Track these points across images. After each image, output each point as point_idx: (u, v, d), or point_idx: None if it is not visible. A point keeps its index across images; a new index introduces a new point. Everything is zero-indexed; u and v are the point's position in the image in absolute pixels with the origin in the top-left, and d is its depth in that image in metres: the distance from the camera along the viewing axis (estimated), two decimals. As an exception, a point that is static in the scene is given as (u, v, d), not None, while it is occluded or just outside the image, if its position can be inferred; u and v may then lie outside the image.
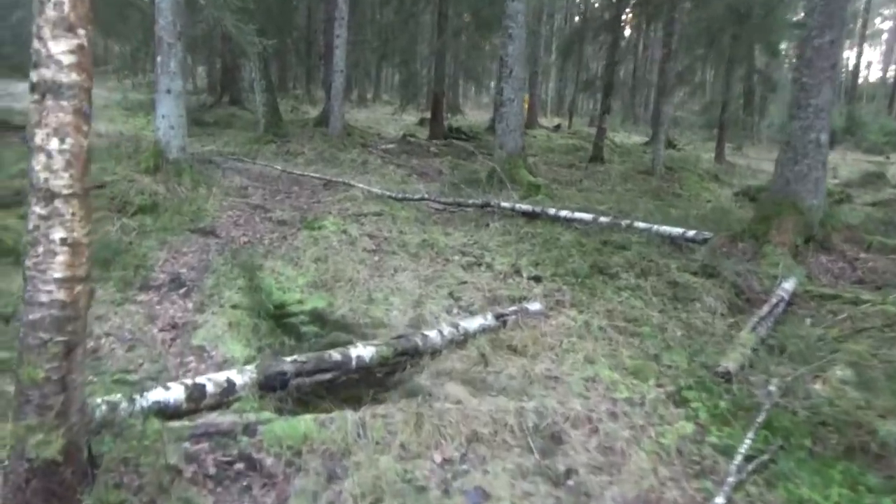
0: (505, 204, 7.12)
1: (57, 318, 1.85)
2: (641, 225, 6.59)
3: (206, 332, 3.92)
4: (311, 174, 9.81)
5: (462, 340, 3.84)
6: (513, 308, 4.33)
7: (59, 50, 1.73)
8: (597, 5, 21.30)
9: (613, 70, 13.85)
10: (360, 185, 8.66)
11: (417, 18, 16.89)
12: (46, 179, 1.78)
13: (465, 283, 5.25)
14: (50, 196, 1.78)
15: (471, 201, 7.47)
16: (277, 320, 4.33)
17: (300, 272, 5.37)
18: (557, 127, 23.94)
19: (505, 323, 4.14)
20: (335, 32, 11.65)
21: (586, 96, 34.53)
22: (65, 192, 1.79)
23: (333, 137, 12.42)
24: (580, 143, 17.45)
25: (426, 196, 7.93)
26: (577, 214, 6.88)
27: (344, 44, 11.57)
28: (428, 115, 21.13)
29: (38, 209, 1.80)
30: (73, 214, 1.82)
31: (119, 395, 2.63)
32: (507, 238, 6.60)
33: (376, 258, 5.92)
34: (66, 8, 1.72)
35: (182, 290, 4.63)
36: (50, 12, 1.71)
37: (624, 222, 6.68)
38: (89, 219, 1.91)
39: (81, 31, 1.76)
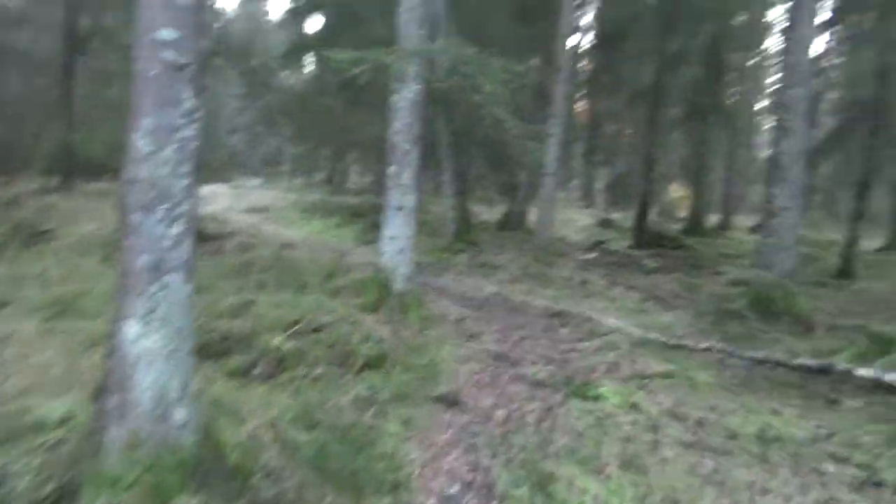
0: (863, 372, 4.90)
1: None
2: None
3: None
4: (532, 299, 8.17)
5: None
6: None
7: None
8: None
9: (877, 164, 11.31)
10: (609, 321, 6.83)
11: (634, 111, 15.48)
12: None
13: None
14: None
15: (799, 362, 5.31)
16: None
17: (609, 489, 3.54)
18: (757, 227, 21.07)
19: None
20: (549, 130, 10.31)
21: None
22: None
23: (538, 248, 10.85)
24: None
25: (717, 346, 5.89)
26: None
27: (558, 143, 10.19)
28: (608, 215, 19.38)
29: None
30: None
31: None
32: (882, 427, 4.39)
33: (707, 463, 3.94)
34: None
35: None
36: None
37: None
38: None
39: None
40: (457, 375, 5.15)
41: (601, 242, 14.04)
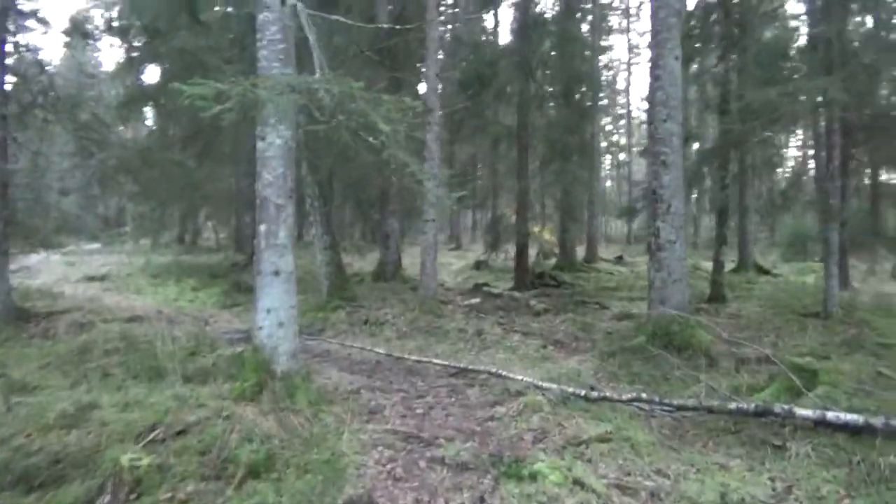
0: (804, 412, 4.59)
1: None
2: None
3: None
4: (428, 357, 7.41)
5: None
6: None
7: None
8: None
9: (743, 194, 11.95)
10: (519, 376, 6.21)
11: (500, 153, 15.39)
12: None
13: None
14: None
15: (736, 406, 4.94)
16: None
17: None
18: (620, 258, 21.94)
19: None
20: (429, 171, 9.75)
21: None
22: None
23: (423, 298, 10.15)
24: None
25: (643, 397, 5.43)
26: None
27: (436, 187, 9.66)
28: (484, 257, 19.23)
29: None
30: None
31: None
32: (837, 473, 4.06)
33: (680, 547, 3.38)
34: None
35: None
36: None
37: None
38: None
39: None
40: (364, 470, 4.23)
41: (483, 286, 13.64)
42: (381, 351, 7.81)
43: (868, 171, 15.27)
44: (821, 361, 6.81)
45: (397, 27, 10.07)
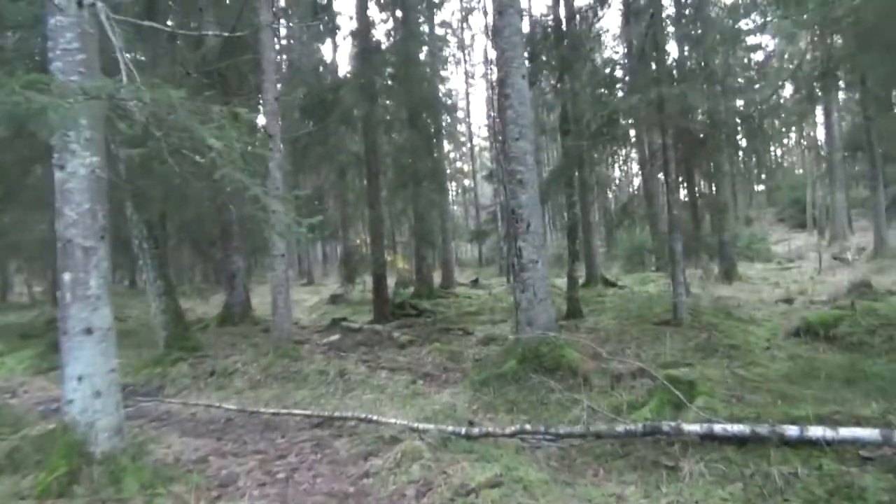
0: (692, 427, 4.43)
1: None
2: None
3: None
4: (289, 410, 6.57)
5: None
6: None
7: None
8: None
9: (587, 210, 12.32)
10: (391, 420, 5.61)
11: (347, 184, 14.71)
12: None
13: None
14: None
15: (624, 429, 4.68)
16: None
17: None
18: (475, 282, 22.09)
19: None
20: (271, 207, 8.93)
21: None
22: None
23: (277, 340, 9.23)
24: None
25: (527, 428, 5.05)
26: (850, 432, 4.08)
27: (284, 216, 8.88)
28: (340, 290, 18.46)
29: None
30: None
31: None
32: (734, 490, 3.91)
33: None
34: None
35: None
36: None
37: None
38: None
39: None
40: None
41: (341, 320, 12.89)
42: (231, 406, 6.86)
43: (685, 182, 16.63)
44: (685, 369, 6.94)
45: (227, 46, 9.22)
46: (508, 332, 11.22)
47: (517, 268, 7.89)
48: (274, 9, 12.13)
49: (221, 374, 8.78)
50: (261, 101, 9.32)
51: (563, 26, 12.50)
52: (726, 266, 17.69)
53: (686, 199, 14.67)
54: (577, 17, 12.63)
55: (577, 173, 13.38)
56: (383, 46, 14.71)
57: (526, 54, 8.36)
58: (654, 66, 10.33)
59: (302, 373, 8.16)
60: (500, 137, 8.17)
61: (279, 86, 13.63)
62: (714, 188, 16.61)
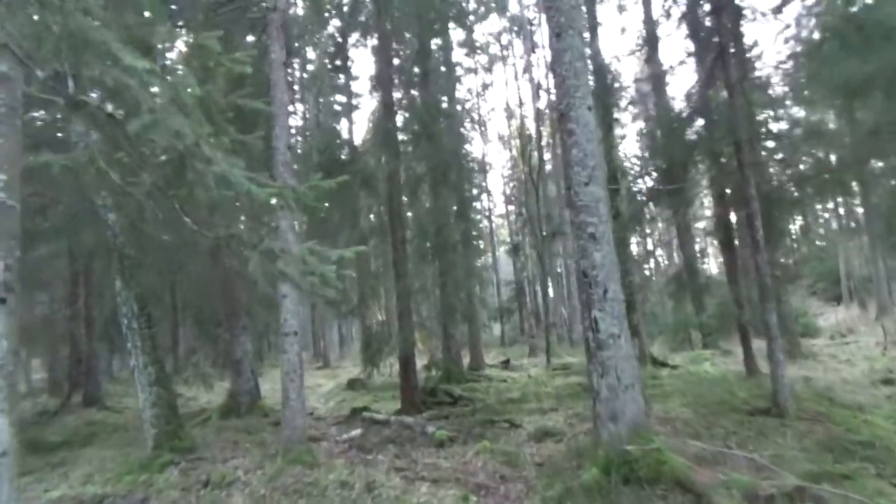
0: None
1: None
2: None
3: None
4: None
5: None
6: None
7: None
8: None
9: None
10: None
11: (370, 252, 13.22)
12: None
13: None
14: None
15: None
16: None
17: None
18: (507, 363, 20.16)
19: None
20: (281, 290, 7.42)
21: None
22: None
23: (288, 442, 7.44)
24: (583, 381, 13.29)
25: None
26: None
27: (296, 301, 7.35)
28: (360, 374, 16.62)
29: None
30: None
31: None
32: None
33: None
34: None
35: None
36: None
37: None
38: None
39: None
40: None
41: (362, 410, 11.06)
42: (224, 541, 5.07)
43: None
44: (834, 481, 5.10)
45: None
46: (562, 423, 9.38)
47: (593, 345, 6.18)
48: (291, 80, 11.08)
49: (217, 485, 6.97)
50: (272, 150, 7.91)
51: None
52: (790, 343, 15.76)
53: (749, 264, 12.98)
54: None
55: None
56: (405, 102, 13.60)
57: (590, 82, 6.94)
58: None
59: (318, 485, 6.34)
60: (565, 183, 6.65)
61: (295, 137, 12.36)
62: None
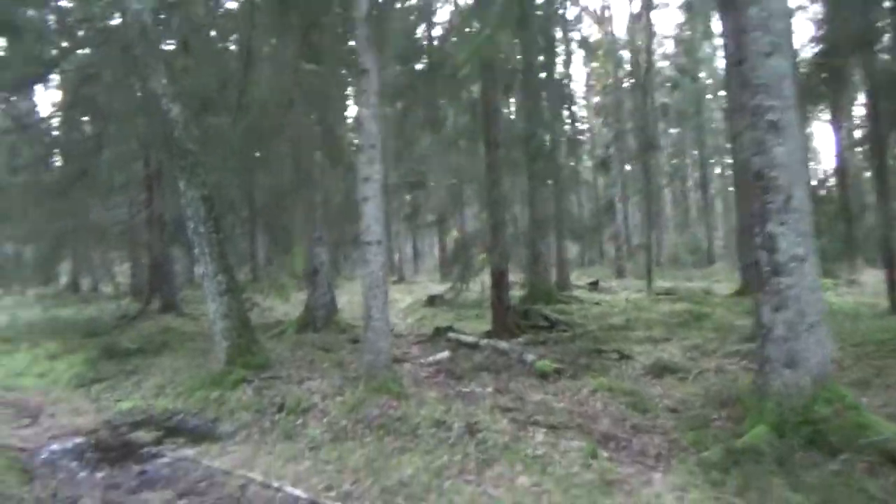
0: None
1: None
2: None
3: None
4: (390, 496, 3.78)
5: None
6: None
7: None
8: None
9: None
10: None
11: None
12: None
13: None
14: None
15: None
16: None
17: None
18: (595, 284, 18.79)
19: None
20: (363, 192, 6.21)
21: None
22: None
23: (371, 367, 6.46)
24: (693, 309, 11.74)
25: None
26: None
27: (377, 206, 6.14)
28: (439, 289, 15.70)
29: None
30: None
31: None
32: None
33: None
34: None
35: None
36: None
37: None
38: None
39: None
40: None
41: (447, 330, 10.06)
42: (299, 494, 4.11)
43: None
44: None
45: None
46: (680, 357, 8.06)
47: (767, 269, 4.71)
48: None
49: (293, 410, 6.12)
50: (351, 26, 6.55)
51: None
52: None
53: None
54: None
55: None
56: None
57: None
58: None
59: (408, 421, 5.33)
60: (735, 56, 5.01)
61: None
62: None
